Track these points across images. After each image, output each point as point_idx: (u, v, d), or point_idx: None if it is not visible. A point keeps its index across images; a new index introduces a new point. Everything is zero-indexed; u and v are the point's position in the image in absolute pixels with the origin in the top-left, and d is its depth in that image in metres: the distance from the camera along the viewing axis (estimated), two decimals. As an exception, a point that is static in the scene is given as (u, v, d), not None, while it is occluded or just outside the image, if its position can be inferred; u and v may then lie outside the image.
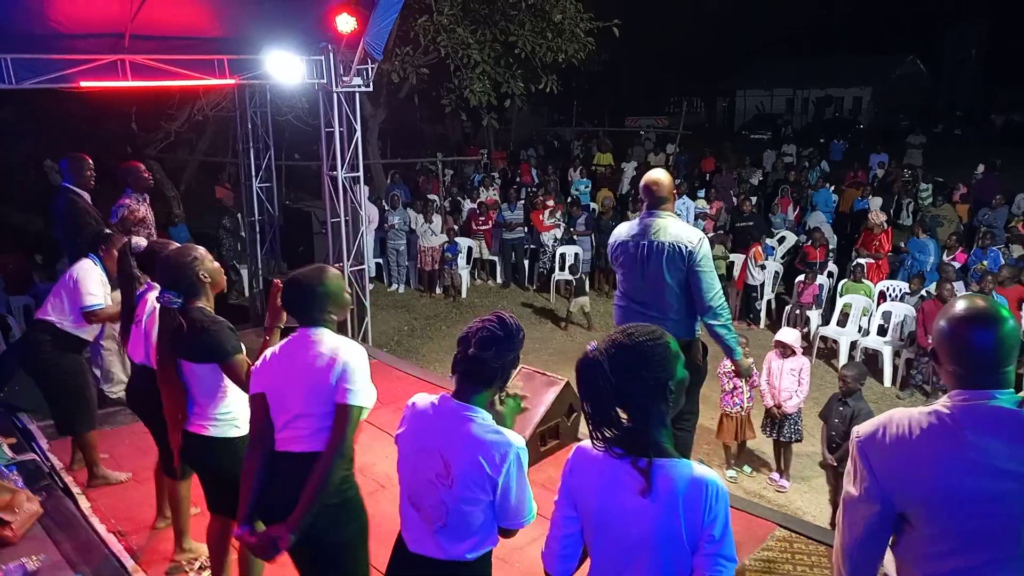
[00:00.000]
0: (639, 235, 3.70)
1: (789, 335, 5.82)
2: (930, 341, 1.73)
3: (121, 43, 5.69)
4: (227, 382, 2.84)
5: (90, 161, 5.36)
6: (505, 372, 2.04)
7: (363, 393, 2.32)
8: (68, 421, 4.26)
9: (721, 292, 3.68)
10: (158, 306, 3.35)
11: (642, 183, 3.79)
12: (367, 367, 2.38)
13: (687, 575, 1.68)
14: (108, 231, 4.60)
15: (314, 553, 2.38)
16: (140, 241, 3.51)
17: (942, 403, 1.65)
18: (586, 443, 1.83)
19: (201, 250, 2.96)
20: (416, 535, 2.08)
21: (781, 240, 10.84)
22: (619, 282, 3.90)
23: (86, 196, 5.31)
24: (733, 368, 5.05)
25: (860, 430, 1.72)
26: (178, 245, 3.07)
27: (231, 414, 2.91)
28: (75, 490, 4.21)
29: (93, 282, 4.19)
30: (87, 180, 5.32)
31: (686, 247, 3.56)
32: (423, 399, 2.12)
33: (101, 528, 3.82)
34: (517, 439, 1.98)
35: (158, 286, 3.44)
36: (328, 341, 2.37)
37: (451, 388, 2.11)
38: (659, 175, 3.76)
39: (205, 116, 11.23)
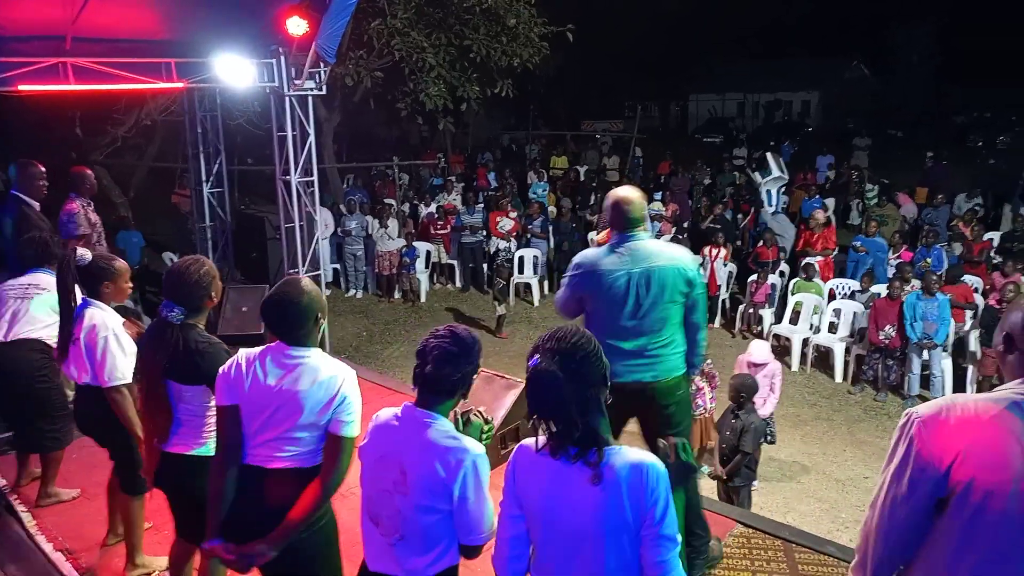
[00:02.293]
0: (627, 264, 3.08)
1: (760, 353, 5.74)
2: (1001, 329, 1.71)
3: (62, 46, 5.52)
4: (213, 402, 2.70)
5: (42, 168, 5.09)
6: (466, 381, 2.04)
7: (357, 423, 2.29)
8: (53, 437, 4.06)
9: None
10: (96, 323, 3.21)
11: (610, 202, 3.18)
12: (359, 393, 2.34)
13: (634, 563, 1.71)
14: (57, 244, 4.40)
15: (285, 567, 2.34)
16: (85, 254, 3.35)
17: (1011, 389, 1.66)
18: (528, 442, 1.84)
19: (214, 267, 2.81)
20: (375, 551, 2.05)
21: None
22: (595, 321, 3.16)
23: (35, 205, 5.07)
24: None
25: (919, 410, 1.69)
26: (189, 257, 2.80)
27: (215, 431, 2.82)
28: (20, 509, 4.05)
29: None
30: (38, 188, 5.06)
31: (689, 272, 3.11)
32: (386, 412, 2.10)
33: (48, 547, 3.69)
34: (476, 447, 1.97)
35: (98, 303, 3.29)
36: (324, 369, 2.29)
37: (411, 392, 2.10)
38: (630, 193, 3.19)
39: (153, 121, 10.97)
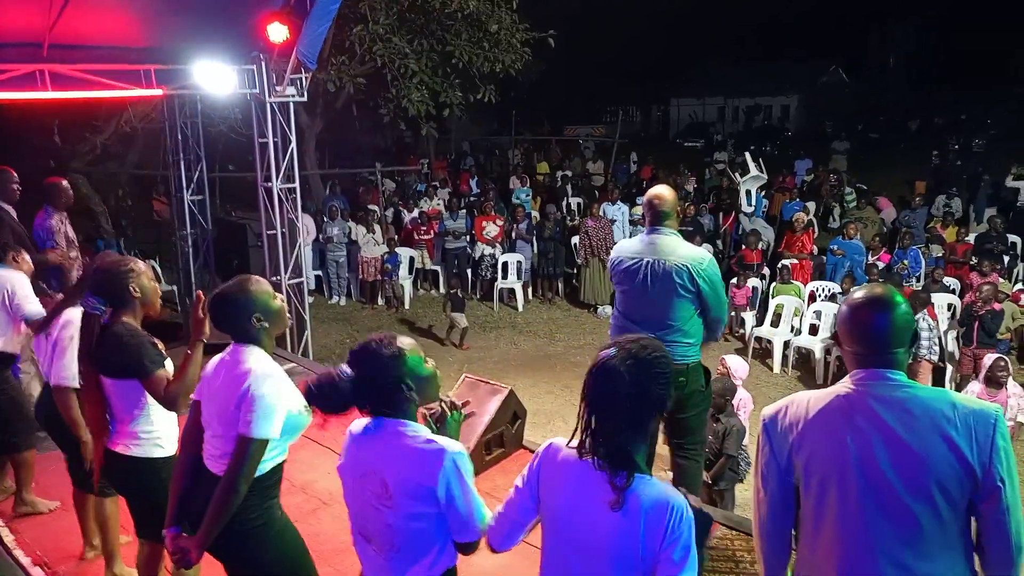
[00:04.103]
0: (642, 253, 3.47)
1: (738, 366, 5.55)
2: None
3: (39, 52, 5.47)
4: (149, 399, 2.71)
5: (14, 173, 5.13)
6: (412, 387, 1.94)
7: (266, 426, 2.20)
8: (8, 438, 4.01)
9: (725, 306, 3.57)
10: (71, 319, 3.20)
11: (645, 198, 3.58)
12: (279, 396, 2.26)
13: None
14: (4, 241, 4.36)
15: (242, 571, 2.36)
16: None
17: (842, 383, 1.79)
18: (559, 441, 1.81)
19: (140, 264, 2.84)
20: (372, 568, 2.00)
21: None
22: (617, 302, 3.68)
23: (11, 210, 5.08)
24: None
25: (766, 411, 1.87)
26: (120, 255, 2.94)
27: (155, 433, 2.79)
28: (-3, 522, 4.00)
29: (29, 288, 3.97)
30: (12, 193, 5.09)
31: (695, 269, 3.37)
32: (358, 424, 2.03)
33: (26, 561, 3.63)
34: (453, 445, 1.91)
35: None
36: (247, 363, 2.27)
37: None
38: (662, 190, 3.55)
39: (133, 128, 10.88)
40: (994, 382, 5.90)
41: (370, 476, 1.93)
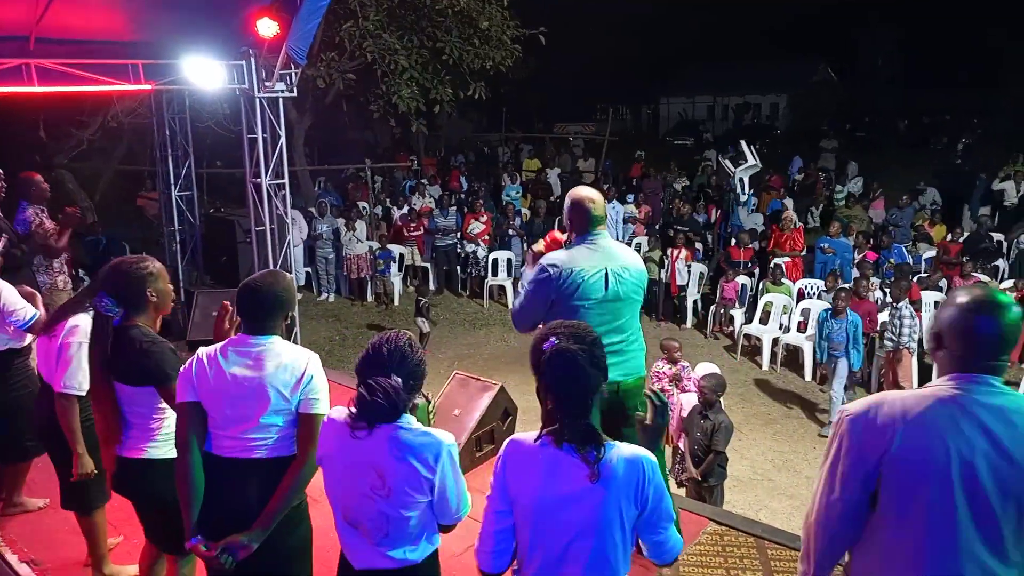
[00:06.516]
0: (603, 261, 3.15)
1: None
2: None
3: (26, 46, 5.41)
4: (165, 403, 2.67)
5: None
6: (416, 383, 2.03)
7: (326, 403, 2.34)
8: (17, 445, 3.91)
9: None
10: (80, 326, 3.09)
11: (573, 202, 3.22)
12: (324, 375, 2.40)
13: (624, 554, 1.78)
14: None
15: (262, 560, 2.29)
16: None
17: (939, 386, 1.73)
18: (520, 436, 1.88)
19: (158, 265, 2.75)
20: (359, 553, 2.05)
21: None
22: (562, 319, 3.40)
23: None
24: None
25: (850, 408, 1.79)
26: (138, 255, 2.81)
27: (172, 434, 2.68)
28: (-17, 520, 3.96)
29: (15, 295, 3.79)
30: None
31: (645, 273, 3.34)
32: (340, 412, 2.05)
33: (13, 559, 3.60)
34: (446, 436, 2.02)
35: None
36: (287, 353, 2.34)
37: None
38: (592, 192, 3.27)
39: (120, 123, 10.79)
40: None
41: (364, 468, 1.97)
